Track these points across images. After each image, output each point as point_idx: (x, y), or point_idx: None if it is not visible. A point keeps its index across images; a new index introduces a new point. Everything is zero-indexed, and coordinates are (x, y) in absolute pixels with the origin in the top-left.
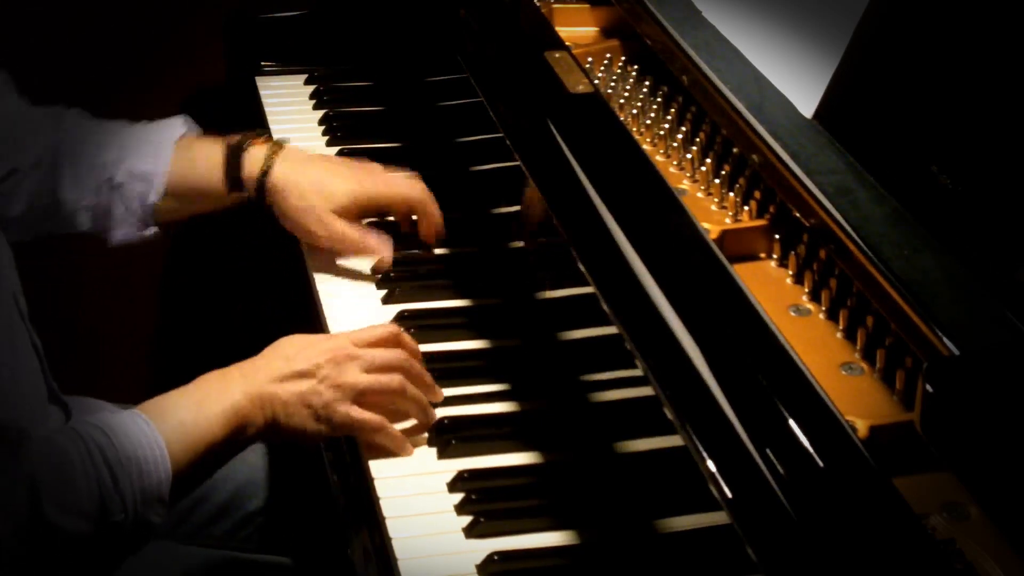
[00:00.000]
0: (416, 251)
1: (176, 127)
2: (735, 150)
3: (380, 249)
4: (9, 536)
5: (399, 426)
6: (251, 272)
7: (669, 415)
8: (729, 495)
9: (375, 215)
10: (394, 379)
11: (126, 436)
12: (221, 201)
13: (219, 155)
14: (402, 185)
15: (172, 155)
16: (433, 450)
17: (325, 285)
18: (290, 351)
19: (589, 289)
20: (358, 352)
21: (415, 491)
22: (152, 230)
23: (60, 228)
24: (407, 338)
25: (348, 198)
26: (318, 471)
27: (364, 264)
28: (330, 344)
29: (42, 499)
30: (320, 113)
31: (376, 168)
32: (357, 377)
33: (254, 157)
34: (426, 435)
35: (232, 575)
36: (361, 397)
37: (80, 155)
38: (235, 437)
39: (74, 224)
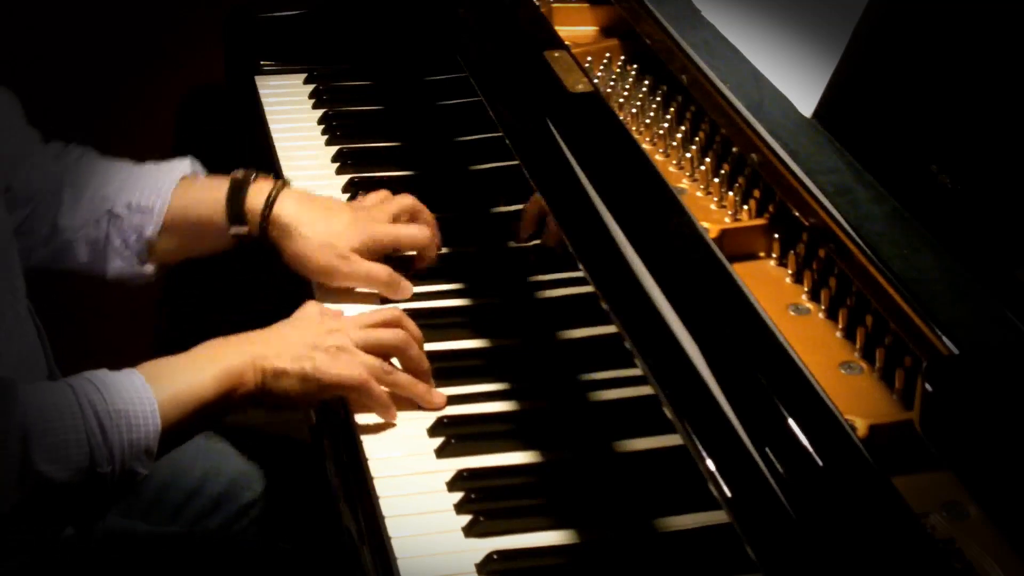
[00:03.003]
0: (415, 252)
1: (182, 165)
2: (734, 149)
3: (407, 290)
4: (2, 484)
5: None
6: (251, 278)
7: (668, 414)
8: (728, 494)
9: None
10: (394, 335)
11: (117, 391)
12: (221, 238)
13: (223, 189)
14: (403, 230)
15: (174, 190)
16: (432, 449)
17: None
18: (291, 323)
19: (589, 288)
20: (355, 330)
21: (414, 490)
22: (149, 268)
23: (57, 258)
24: (409, 322)
25: (355, 242)
26: (316, 467)
27: None
28: (331, 321)
29: (32, 449)
30: (319, 112)
31: (370, 209)
32: (347, 342)
33: (259, 190)
34: (424, 428)
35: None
36: (352, 360)
37: (83, 186)
38: (227, 397)
39: (72, 254)
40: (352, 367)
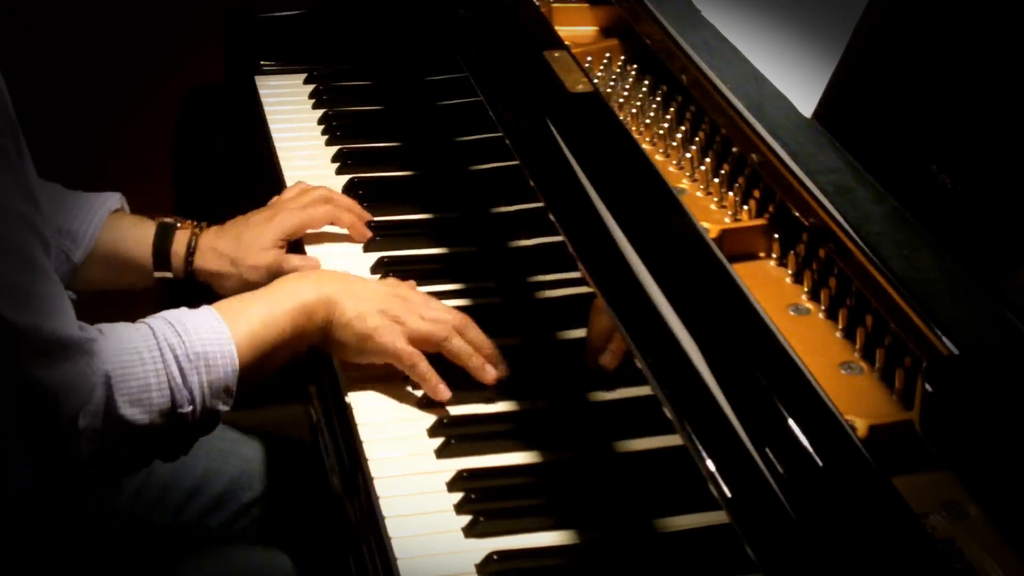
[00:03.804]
0: (415, 252)
1: (112, 200)
2: (734, 149)
3: (310, 262)
4: (88, 430)
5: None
6: None
7: (668, 414)
8: (728, 494)
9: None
10: (444, 328)
11: (196, 332)
12: (146, 277)
13: (150, 232)
14: (307, 211)
15: (105, 223)
16: (432, 449)
17: None
18: (362, 280)
19: (589, 289)
20: (420, 303)
21: (415, 490)
22: (70, 295)
23: None
24: (475, 331)
25: (265, 240)
26: (316, 466)
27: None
28: (400, 288)
29: (116, 395)
30: (319, 112)
31: (284, 202)
32: (411, 319)
33: (182, 237)
34: (424, 428)
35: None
36: (410, 336)
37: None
38: (300, 333)
39: None
40: (406, 337)
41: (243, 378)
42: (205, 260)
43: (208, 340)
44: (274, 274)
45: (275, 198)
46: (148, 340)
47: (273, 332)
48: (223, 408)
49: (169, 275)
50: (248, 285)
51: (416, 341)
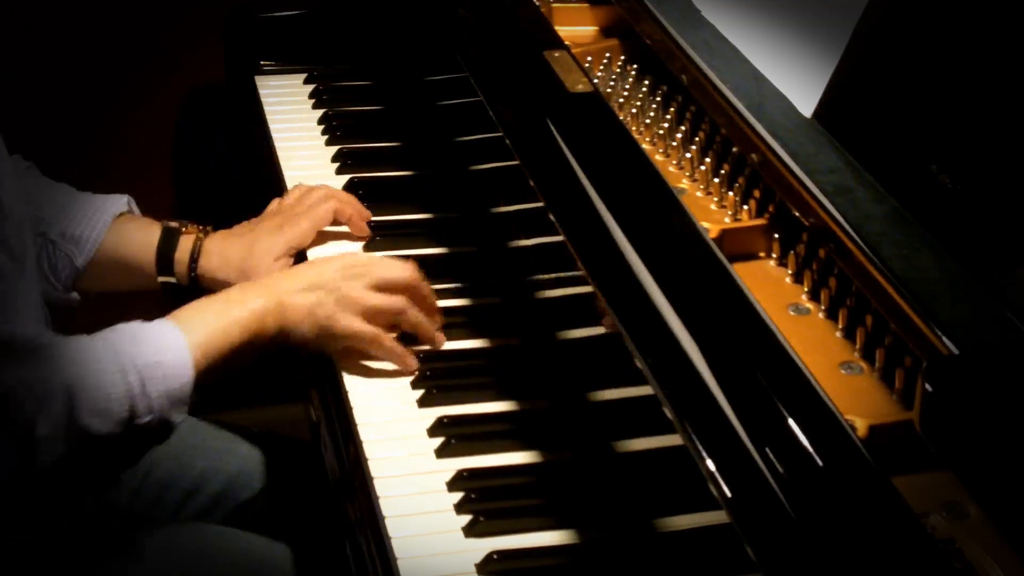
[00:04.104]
0: (415, 252)
1: (119, 203)
2: (734, 149)
3: None
4: (47, 439)
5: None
6: None
7: (668, 414)
8: (728, 494)
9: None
10: (398, 300)
11: (153, 342)
12: (149, 281)
13: (154, 236)
14: (313, 213)
15: (108, 226)
16: (432, 449)
17: None
18: (309, 264)
19: (589, 288)
20: (368, 269)
21: (414, 490)
22: (74, 296)
23: None
24: (424, 287)
25: (277, 249)
26: (315, 465)
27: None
28: (345, 260)
29: (77, 404)
30: (319, 112)
31: (289, 207)
32: (361, 293)
33: (186, 242)
34: (424, 428)
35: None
36: (365, 313)
37: (23, 205)
38: (253, 340)
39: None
40: (363, 315)
41: (199, 386)
42: (210, 266)
43: (164, 349)
44: None
45: (276, 202)
46: (107, 351)
47: (226, 342)
48: (178, 419)
49: (173, 280)
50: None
51: (373, 316)
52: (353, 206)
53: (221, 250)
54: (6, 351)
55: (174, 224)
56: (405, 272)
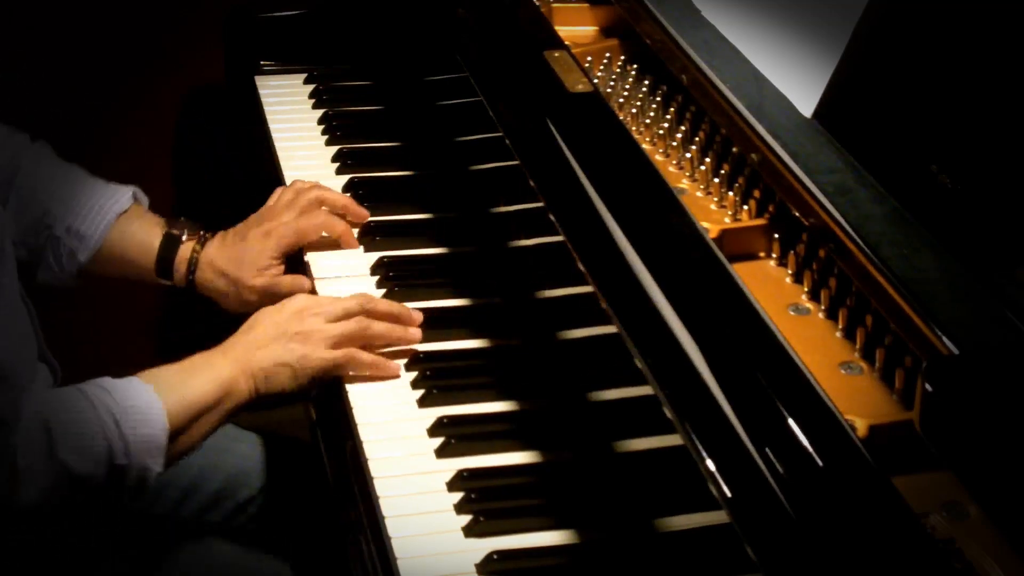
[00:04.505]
0: (415, 252)
1: (125, 198)
2: (734, 149)
3: (300, 282)
4: (28, 471)
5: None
6: None
7: (668, 414)
8: (728, 494)
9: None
10: (358, 321)
11: (124, 392)
12: (149, 280)
13: (155, 240)
14: (300, 224)
15: (112, 225)
16: (432, 449)
17: (324, 276)
18: (260, 320)
19: (589, 288)
20: (318, 305)
21: (414, 490)
22: (77, 282)
23: None
24: (379, 304)
25: (262, 261)
26: (315, 466)
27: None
28: (293, 305)
29: (56, 441)
30: (319, 112)
31: (279, 212)
32: (322, 326)
33: (184, 252)
34: (424, 428)
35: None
36: (331, 343)
37: (30, 197)
38: (223, 404)
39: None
40: (331, 347)
41: (173, 444)
42: (205, 278)
43: (137, 397)
44: (270, 294)
45: (272, 198)
46: (80, 398)
47: (198, 402)
48: (156, 469)
49: (171, 283)
50: (246, 303)
51: (339, 345)
52: (348, 209)
53: (215, 260)
54: None
55: (176, 232)
56: (352, 300)
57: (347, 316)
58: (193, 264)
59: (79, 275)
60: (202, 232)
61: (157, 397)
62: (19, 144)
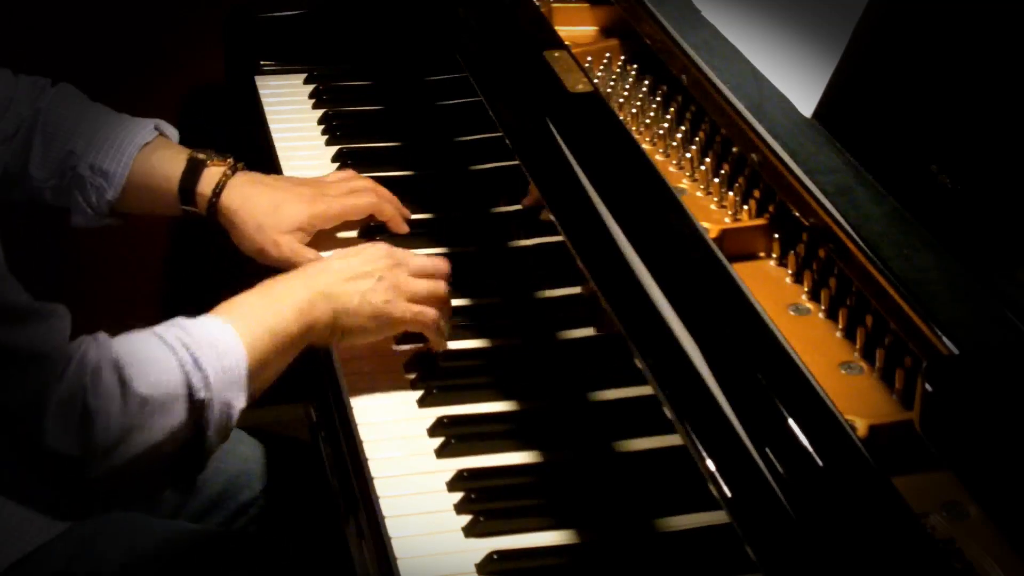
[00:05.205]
0: (414, 252)
1: (147, 131)
2: (734, 149)
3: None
4: (103, 413)
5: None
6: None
7: (668, 414)
8: (728, 494)
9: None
10: (436, 284)
11: (200, 326)
12: (175, 209)
13: (179, 168)
14: (350, 200)
15: (136, 158)
16: (432, 449)
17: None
18: (347, 254)
19: (589, 288)
20: (406, 257)
21: (414, 490)
22: (112, 221)
23: (27, 197)
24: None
25: (301, 219)
26: (315, 466)
27: None
28: (381, 248)
29: (128, 375)
30: (319, 112)
31: (328, 185)
32: (409, 280)
33: (211, 176)
34: (424, 428)
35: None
36: (413, 298)
37: (52, 136)
38: (306, 332)
39: (40, 196)
40: (412, 300)
41: (256, 376)
42: (230, 205)
43: (214, 333)
44: (286, 259)
45: (319, 177)
46: (152, 336)
47: (278, 335)
48: (238, 404)
49: (194, 210)
50: (261, 252)
51: (419, 301)
52: (394, 203)
53: (245, 193)
54: (26, 317)
55: (201, 156)
56: (439, 264)
57: (429, 275)
58: (220, 187)
59: (112, 214)
60: (232, 161)
61: (235, 332)
62: (38, 88)
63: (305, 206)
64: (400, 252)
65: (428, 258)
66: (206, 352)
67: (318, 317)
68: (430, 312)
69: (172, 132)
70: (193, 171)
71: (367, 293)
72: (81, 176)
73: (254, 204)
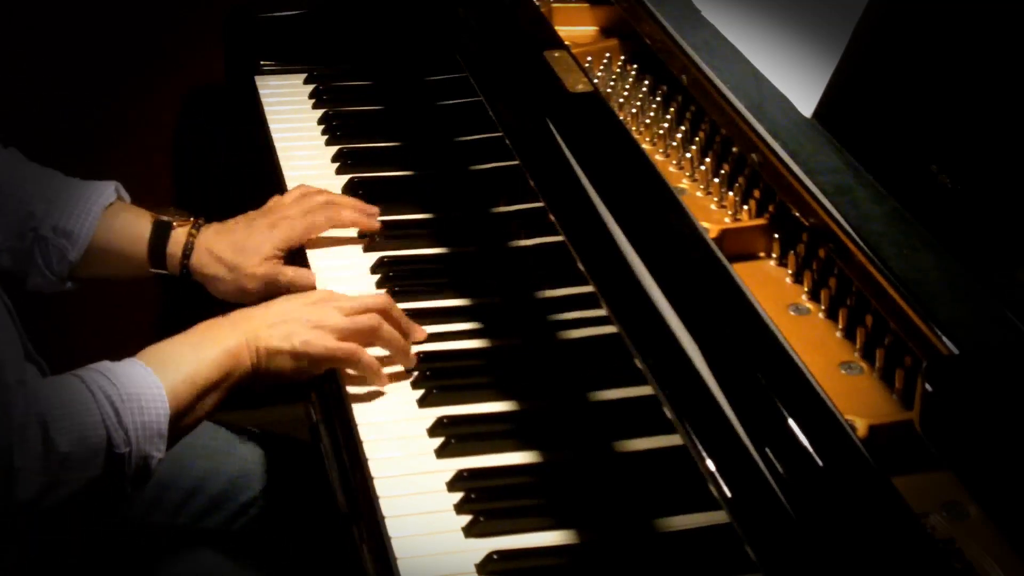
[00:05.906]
0: (415, 252)
1: (108, 192)
2: (734, 149)
3: (303, 275)
4: (25, 471)
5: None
6: None
7: (668, 414)
8: (728, 494)
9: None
10: (371, 318)
11: (125, 376)
12: (142, 271)
13: (145, 230)
14: (308, 219)
15: (99, 219)
16: (432, 449)
17: (324, 276)
18: (279, 302)
19: (589, 289)
20: (338, 300)
21: (414, 490)
22: (69, 285)
23: None
24: (396, 311)
25: (265, 251)
26: (316, 466)
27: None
28: (316, 295)
29: (53, 433)
30: (319, 112)
31: (286, 207)
32: (333, 315)
33: (178, 237)
34: (424, 428)
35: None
36: (338, 334)
37: (9, 197)
38: (226, 379)
39: None
40: (338, 338)
41: (176, 424)
42: (201, 263)
43: (138, 384)
44: (270, 284)
45: (275, 199)
46: (78, 385)
47: (201, 378)
48: (156, 455)
49: (166, 272)
50: (243, 291)
51: (347, 337)
52: (355, 208)
53: (212, 246)
54: None
55: (165, 218)
56: (374, 298)
57: (365, 312)
58: (188, 248)
59: (71, 278)
60: (194, 218)
61: (159, 380)
62: None
63: (266, 237)
64: (330, 295)
65: (363, 297)
66: (130, 407)
67: (241, 362)
68: (347, 348)
69: (126, 195)
70: (160, 234)
71: (288, 336)
72: (44, 237)
73: (220, 253)
